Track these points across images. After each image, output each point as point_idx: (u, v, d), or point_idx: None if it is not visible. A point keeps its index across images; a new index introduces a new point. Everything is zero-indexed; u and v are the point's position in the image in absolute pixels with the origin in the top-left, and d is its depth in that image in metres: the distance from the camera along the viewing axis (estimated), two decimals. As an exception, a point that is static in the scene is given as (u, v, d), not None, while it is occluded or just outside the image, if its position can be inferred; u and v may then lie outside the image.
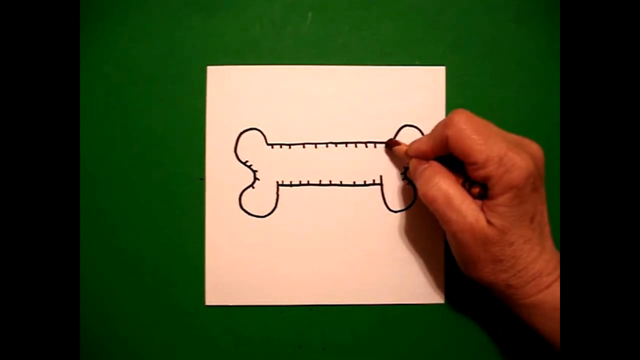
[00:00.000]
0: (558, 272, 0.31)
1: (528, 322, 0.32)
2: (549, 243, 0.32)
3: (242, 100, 0.38)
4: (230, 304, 0.38)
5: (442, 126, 0.32)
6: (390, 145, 0.37)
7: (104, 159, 0.38)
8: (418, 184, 0.33)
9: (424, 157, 0.34)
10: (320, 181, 0.38)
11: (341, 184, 0.38)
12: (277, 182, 0.38)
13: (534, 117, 0.38)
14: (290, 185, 0.38)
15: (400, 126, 0.38)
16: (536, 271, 0.31)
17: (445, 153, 0.33)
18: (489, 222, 0.31)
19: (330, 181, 0.38)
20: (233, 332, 0.38)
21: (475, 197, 0.32)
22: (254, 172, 0.38)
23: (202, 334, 0.38)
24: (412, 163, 0.35)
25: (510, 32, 0.38)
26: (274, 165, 0.38)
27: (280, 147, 0.38)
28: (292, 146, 0.38)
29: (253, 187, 0.38)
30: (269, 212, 0.38)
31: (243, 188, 0.38)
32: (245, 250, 0.38)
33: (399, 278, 0.38)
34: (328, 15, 0.38)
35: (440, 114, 0.38)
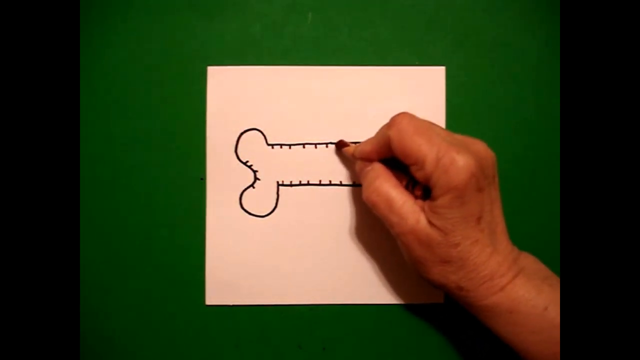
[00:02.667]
0: (512, 273, 0.30)
1: (485, 324, 0.32)
2: (502, 244, 0.31)
3: (243, 100, 0.38)
4: (230, 304, 0.38)
5: (385, 127, 0.32)
6: (340, 147, 0.37)
7: (104, 159, 0.38)
8: (362, 187, 0.33)
9: (369, 158, 0.34)
10: (320, 181, 0.38)
11: (341, 184, 0.38)
12: (277, 182, 0.38)
13: (534, 117, 0.38)
14: (290, 185, 0.38)
15: (400, 126, 0.38)
16: (487, 273, 0.30)
17: (390, 155, 0.32)
18: (431, 223, 0.30)
19: (330, 181, 0.38)
20: (233, 332, 0.38)
21: (418, 198, 0.31)
22: (254, 172, 0.38)
23: (202, 334, 0.38)
24: (357, 165, 0.35)
25: (510, 32, 0.38)
26: (274, 165, 0.38)
27: (281, 147, 0.38)
28: (292, 146, 0.38)
29: (253, 187, 0.38)
30: (269, 212, 0.38)
31: (243, 188, 0.38)
32: (245, 250, 0.38)
33: (398, 278, 0.38)
34: (328, 15, 0.38)
35: (440, 114, 0.38)
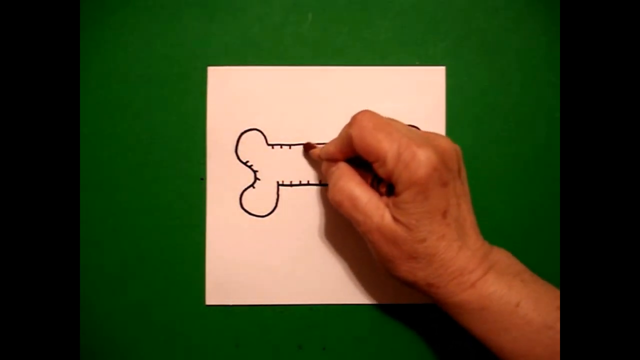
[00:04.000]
0: (482, 269, 0.30)
1: (458, 322, 0.31)
2: (471, 239, 0.31)
3: (243, 100, 0.38)
4: (230, 304, 0.38)
5: (347, 126, 0.32)
6: (307, 149, 0.37)
7: (104, 159, 0.38)
8: (328, 188, 0.33)
9: (334, 159, 0.34)
10: (320, 181, 0.38)
11: (341, 184, 0.38)
12: (278, 182, 0.38)
13: (534, 117, 0.38)
14: (291, 185, 0.38)
15: (400, 126, 0.38)
16: (456, 268, 0.30)
17: (353, 154, 0.32)
18: (396, 219, 0.30)
19: (330, 181, 0.38)
20: (233, 332, 0.38)
21: (383, 195, 0.31)
22: (255, 172, 0.38)
23: (202, 334, 0.38)
24: (323, 166, 0.35)
25: (510, 32, 0.38)
26: (275, 166, 0.38)
27: (281, 147, 0.38)
28: (292, 146, 0.38)
29: (253, 187, 0.38)
30: (269, 211, 0.38)
31: (244, 188, 0.38)
32: (245, 250, 0.38)
33: (399, 278, 0.38)
34: (328, 15, 0.38)
35: (440, 114, 0.38)
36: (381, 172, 0.30)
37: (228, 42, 0.38)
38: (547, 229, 0.38)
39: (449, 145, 0.31)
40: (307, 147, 0.37)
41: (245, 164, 0.38)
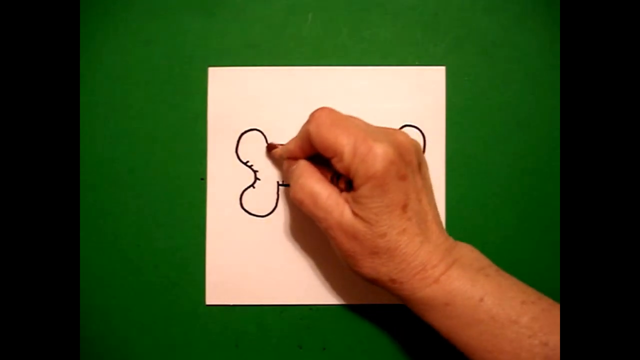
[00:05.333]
0: (445, 264, 0.30)
1: (424, 320, 0.31)
2: (434, 234, 0.31)
3: (243, 101, 0.38)
4: (231, 304, 0.38)
5: (305, 123, 0.32)
6: (269, 149, 0.37)
7: (104, 159, 0.38)
8: (290, 187, 0.33)
9: (294, 157, 0.34)
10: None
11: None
12: (278, 182, 0.38)
13: (534, 117, 0.38)
14: (291, 185, 0.38)
15: (400, 126, 0.38)
16: (419, 263, 0.30)
17: (313, 151, 0.32)
18: (355, 214, 0.30)
19: (330, 181, 0.38)
20: (233, 331, 0.38)
21: (343, 191, 0.31)
22: (255, 172, 0.38)
23: (202, 334, 0.38)
24: (284, 165, 0.35)
25: (510, 32, 0.38)
26: (275, 166, 0.38)
27: (281, 147, 0.38)
28: (292, 146, 0.38)
29: (254, 187, 0.38)
30: (269, 211, 0.38)
31: (244, 188, 0.38)
32: (245, 250, 0.38)
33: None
34: (328, 16, 0.38)
35: (440, 114, 0.38)
36: (339, 167, 0.30)
37: (228, 42, 0.38)
38: (547, 229, 0.38)
39: (406, 140, 0.31)
40: (270, 148, 0.37)
41: (245, 164, 0.38)
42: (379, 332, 0.38)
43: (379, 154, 0.29)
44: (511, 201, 0.38)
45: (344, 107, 0.38)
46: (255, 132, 0.38)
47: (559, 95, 0.38)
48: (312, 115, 0.31)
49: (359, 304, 0.38)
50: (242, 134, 0.38)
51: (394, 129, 0.32)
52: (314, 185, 0.31)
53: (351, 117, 0.32)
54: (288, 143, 0.34)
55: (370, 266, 0.31)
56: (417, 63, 0.38)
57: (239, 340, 0.38)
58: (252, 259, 0.38)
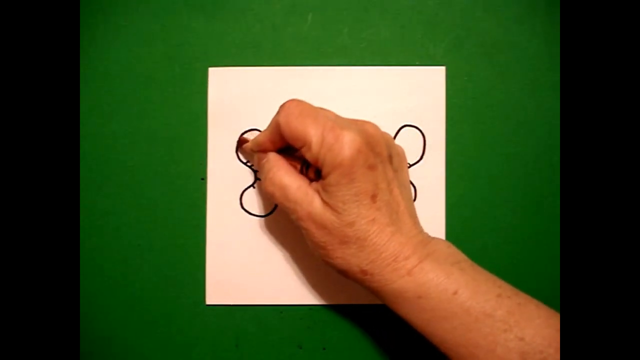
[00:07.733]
0: (418, 256, 0.30)
1: (398, 314, 0.31)
2: (406, 226, 0.31)
3: (244, 101, 0.38)
4: (231, 304, 0.38)
5: (275, 115, 0.32)
6: (241, 144, 0.37)
7: (105, 159, 0.38)
8: (261, 181, 0.33)
9: (265, 150, 0.34)
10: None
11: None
12: (278, 182, 0.38)
13: (534, 117, 0.38)
14: (291, 185, 0.38)
15: (400, 126, 0.38)
16: (390, 254, 0.30)
17: (284, 143, 0.32)
18: (325, 203, 0.30)
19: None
20: (233, 332, 0.38)
21: (313, 181, 0.31)
22: (255, 172, 0.38)
23: (202, 334, 0.38)
24: (255, 159, 0.35)
25: (510, 32, 0.38)
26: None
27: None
28: (292, 146, 0.38)
29: (254, 187, 0.38)
30: (269, 211, 0.38)
31: (244, 188, 0.38)
32: (245, 249, 0.38)
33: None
34: (328, 16, 0.38)
35: (440, 114, 0.38)
36: (308, 156, 0.30)
37: (229, 43, 0.38)
38: (547, 229, 0.38)
39: (376, 131, 0.31)
40: (241, 142, 0.37)
41: (245, 164, 0.38)
42: (379, 332, 0.38)
43: (346, 142, 0.29)
44: (511, 201, 0.38)
45: (344, 107, 0.38)
46: (255, 132, 0.38)
47: (559, 95, 0.38)
48: (282, 106, 0.31)
49: (359, 304, 0.38)
50: (243, 133, 0.38)
51: (364, 120, 0.32)
52: (283, 177, 0.31)
53: (321, 108, 0.32)
54: (258, 135, 0.34)
55: (341, 257, 0.30)
56: (417, 63, 0.38)
57: (239, 340, 0.38)
58: (252, 259, 0.38)
